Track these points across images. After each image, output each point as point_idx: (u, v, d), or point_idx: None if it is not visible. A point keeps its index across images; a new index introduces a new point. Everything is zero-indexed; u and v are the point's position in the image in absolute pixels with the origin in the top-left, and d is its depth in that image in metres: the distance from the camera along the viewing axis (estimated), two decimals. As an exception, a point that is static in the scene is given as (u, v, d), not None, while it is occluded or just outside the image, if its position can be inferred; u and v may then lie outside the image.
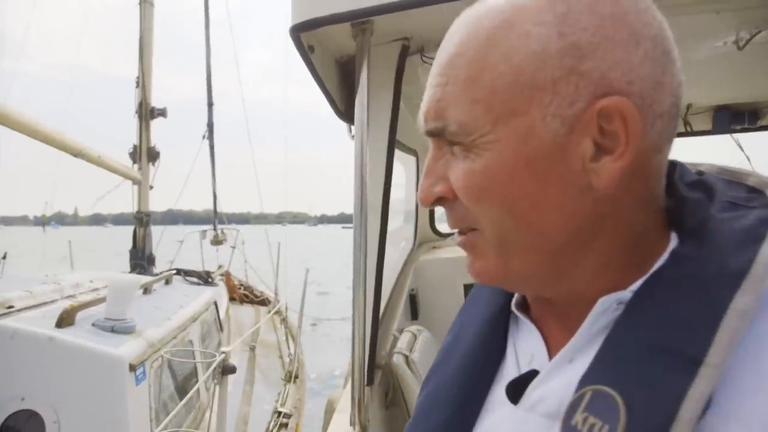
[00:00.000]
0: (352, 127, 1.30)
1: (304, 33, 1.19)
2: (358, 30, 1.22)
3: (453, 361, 0.58)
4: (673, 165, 0.49)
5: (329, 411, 1.98)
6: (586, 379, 0.42)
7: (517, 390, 0.49)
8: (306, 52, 1.26)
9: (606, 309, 0.44)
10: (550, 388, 0.47)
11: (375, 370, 1.50)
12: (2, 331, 2.37)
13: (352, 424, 1.29)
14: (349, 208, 1.31)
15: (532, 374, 0.49)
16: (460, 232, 0.49)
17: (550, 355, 0.50)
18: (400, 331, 1.82)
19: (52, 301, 2.99)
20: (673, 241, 0.46)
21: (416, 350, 1.69)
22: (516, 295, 0.56)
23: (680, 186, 0.48)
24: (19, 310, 2.65)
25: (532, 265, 0.46)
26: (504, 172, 0.43)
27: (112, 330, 2.65)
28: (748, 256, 0.39)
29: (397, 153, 1.67)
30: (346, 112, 1.48)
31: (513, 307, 0.55)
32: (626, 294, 0.44)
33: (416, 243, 2.25)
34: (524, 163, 0.43)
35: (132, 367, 2.45)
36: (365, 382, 1.30)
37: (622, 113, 0.40)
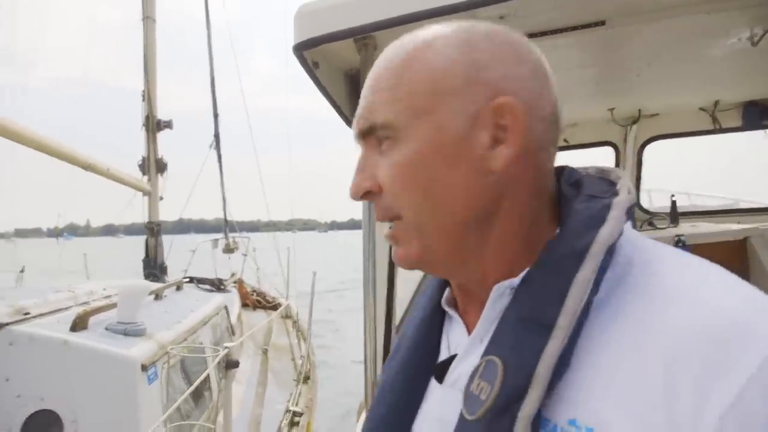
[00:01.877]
0: None
1: (307, 50, 1.24)
2: (361, 45, 1.26)
3: (399, 356, 0.66)
4: (562, 168, 0.59)
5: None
6: (485, 353, 0.50)
7: (442, 372, 0.58)
8: (311, 68, 1.30)
9: (501, 294, 0.53)
10: (466, 366, 0.55)
11: None
12: (19, 335, 2.46)
13: None
14: (358, 214, 1.34)
15: (454, 357, 0.58)
16: (389, 228, 0.57)
17: None
18: None
19: (67, 308, 3.07)
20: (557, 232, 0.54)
21: None
22: (446, 293, 0.64)
23: (563, 185, 0.57)
24: (34, 317, 2.75)
25: (445, 246, 0.54)
26: (421, 159, 0.52)
27: (125, 333, 2.73)
28: (591, 237, 0.48)
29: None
30: None
31: (443, 304, 0.64)
32: (516, 280, 0.52)
33: None
34: (437, 152, 0.52)
35: (144, 367, 2.52)
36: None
37: (511, 109, 0.51)
